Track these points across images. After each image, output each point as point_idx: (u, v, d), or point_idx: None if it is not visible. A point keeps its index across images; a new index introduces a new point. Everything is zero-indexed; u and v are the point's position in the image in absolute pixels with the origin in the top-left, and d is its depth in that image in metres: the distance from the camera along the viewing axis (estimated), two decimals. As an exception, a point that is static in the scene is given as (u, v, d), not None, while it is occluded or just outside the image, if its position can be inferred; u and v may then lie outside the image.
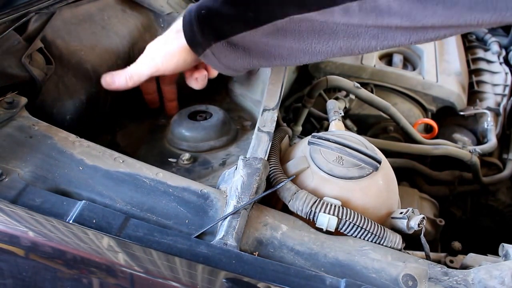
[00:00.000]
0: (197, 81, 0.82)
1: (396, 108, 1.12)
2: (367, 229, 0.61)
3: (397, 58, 1.37)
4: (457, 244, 0.95)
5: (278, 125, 0.85)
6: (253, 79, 0.96)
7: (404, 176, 1.25)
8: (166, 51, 0.74)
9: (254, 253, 0.57)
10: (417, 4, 0.55)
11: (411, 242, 0.68)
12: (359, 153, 0.67)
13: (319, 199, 0.62)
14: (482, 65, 1.50)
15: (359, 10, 0.58)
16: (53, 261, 0.51)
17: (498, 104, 1.35)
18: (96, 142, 0.68)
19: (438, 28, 0.58)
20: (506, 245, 0.62)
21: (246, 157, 0.66)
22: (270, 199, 0.70)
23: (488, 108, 1.31)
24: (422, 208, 1.09)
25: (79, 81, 0.82)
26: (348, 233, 0.62)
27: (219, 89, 1.04)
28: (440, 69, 1.33)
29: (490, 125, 1.27)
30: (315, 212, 0.61)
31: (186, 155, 0.81)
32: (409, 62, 1.41)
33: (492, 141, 1.23)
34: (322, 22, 0.62)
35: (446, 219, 1.05)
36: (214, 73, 0.83)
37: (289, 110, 1.23)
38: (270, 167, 0.67)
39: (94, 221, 0.54)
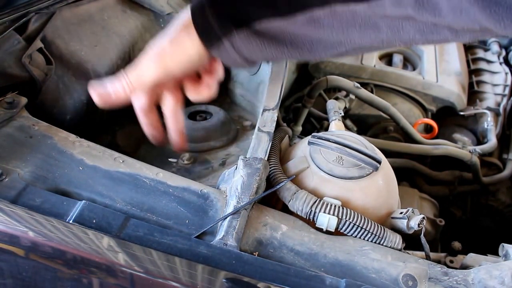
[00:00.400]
0: (209, 88, 0.66)
1: (396, 108, 1.12)
2: (367, 229, 0.61)
3: (397, 58, 1.37)
4: (457, 244, 0.95)
5: (278, 125, 0.85)
6: (253, 79, 0.96)
7: (404, 176, 1.25)
8: (175, 44, 0.58)
9: (254, 253, 0.57)
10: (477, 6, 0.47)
11: (411, 242, 0.68)
12: (359, 153, 0.67)
13: (319, 199, 0.62)
14: (482, 65, 1.50)
15: (414, 4, 0.51)
16: (53, 261, 0.51)
17: (498, 104, 1.35)
18: (96, 142, 0.68)
19: (490, 32, 0.51)
20: (506, 245, 0.62)
21: (246, 157, 0.66)
22: (270, 199, 0.70)
23: (488, 108, 1.31)
24: (422, 208, 1.09)
25: (79, 81, 0.82)
26: (348, 233, 0.62)
27: (219, 89, 1.04)
28: (440, 69, 1.33)
29: (490, 125, 1.27)
30: (315, 212, 0.61)
31: (186, 155, 0.81)
32: (409, 62, 1.41)
33: (492, 141, 1.23)
34: (368, 14, 0.55)
35: (446, 219, 1.05)
36: (221, 73, 0.68)
37: (289, 110, 1.23)
38: (270, 167, 0.67)
39: (94, 221, 0.54)
